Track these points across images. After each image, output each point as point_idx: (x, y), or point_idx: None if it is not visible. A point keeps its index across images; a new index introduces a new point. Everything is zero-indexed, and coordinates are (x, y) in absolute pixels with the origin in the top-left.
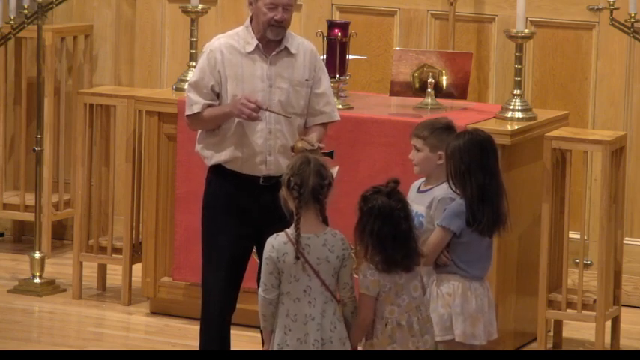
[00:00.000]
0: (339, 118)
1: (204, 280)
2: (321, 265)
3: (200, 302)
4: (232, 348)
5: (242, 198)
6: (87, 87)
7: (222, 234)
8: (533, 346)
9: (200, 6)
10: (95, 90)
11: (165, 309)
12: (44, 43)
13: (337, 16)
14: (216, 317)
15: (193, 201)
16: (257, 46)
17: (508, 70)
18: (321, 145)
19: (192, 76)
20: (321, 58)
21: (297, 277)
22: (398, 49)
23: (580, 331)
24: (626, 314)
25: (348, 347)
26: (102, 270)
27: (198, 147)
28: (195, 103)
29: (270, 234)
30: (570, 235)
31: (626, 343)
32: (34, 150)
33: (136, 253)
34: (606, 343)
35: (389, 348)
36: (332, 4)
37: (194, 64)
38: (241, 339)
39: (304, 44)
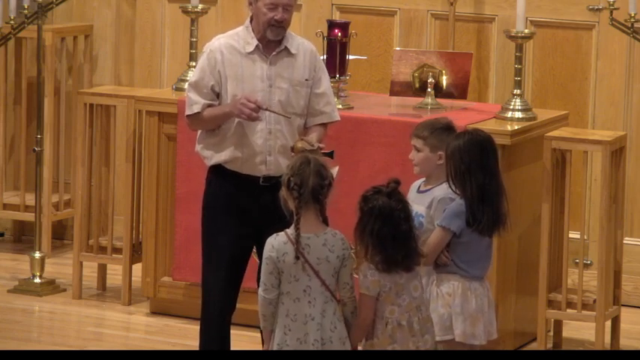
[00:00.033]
0: (339, 118)
1: (204, 280)
2: (321, 265)
3: (200, 302)
4: (232, 348)
5: (242, 198)
6: (87, 87)
7: (222, 234)
8: (533, 346)
9: (200, 6)
10: (95, 90)
11: (165, 309)
12: (44, 43)
13: (337, 16)
14: (216, 317)
15: (193, 201)
16: (257, 46)
17: (508, 70)
18: (321, 145)
19: (192, 76)
20: (321, 58)
21: (297, 277)
22: (398, 49)
23: (580, 331)
24: (626, 314)
25: (348, 347)
26: (102, 270)
27: (198, 147)
28: (195, 103)
29: (270, 234)
30: (570, 235)
31: (626, 343)
32: (34, 150)
33: (136, 253)
34: (606, 343)
35: (389, 348)
36: (332, 4)
37: (194, 64)
38: (241, 339)
39: (304, 44)
